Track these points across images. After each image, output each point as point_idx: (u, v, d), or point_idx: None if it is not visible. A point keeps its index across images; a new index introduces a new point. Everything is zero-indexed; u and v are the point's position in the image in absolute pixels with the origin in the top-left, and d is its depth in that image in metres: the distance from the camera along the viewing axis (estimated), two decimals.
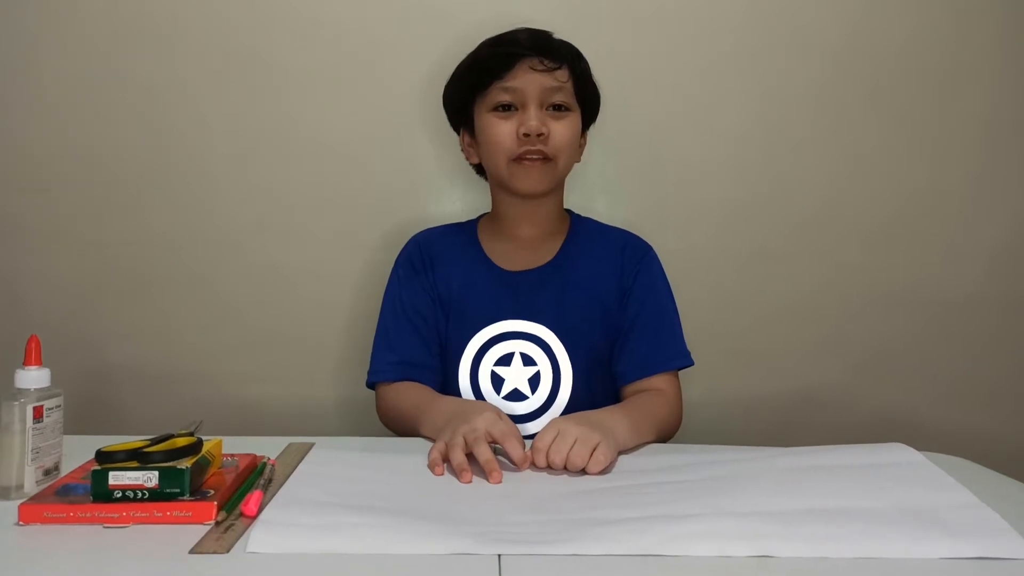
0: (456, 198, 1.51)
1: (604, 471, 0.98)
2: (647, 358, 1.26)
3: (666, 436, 1.21)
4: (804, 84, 1.51)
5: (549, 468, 0.99)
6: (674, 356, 1.28)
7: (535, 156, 1.23)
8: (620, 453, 1.05)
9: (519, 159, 1.24)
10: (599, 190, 1.51)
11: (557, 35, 1.29)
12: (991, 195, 1.54)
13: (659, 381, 1.25)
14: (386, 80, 1.50)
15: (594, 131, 1.37)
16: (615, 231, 1.37)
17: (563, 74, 1.25)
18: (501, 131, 1.24)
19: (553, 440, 0.99)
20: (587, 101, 1.30)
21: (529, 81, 1.23)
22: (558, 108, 1.25)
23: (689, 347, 1.30)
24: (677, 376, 1.28)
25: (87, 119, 1.50)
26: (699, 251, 1.52)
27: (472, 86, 1.27)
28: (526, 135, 1.22)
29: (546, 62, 1.23)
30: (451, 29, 1.43)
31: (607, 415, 1.09)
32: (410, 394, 1.23)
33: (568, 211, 1.38)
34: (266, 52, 1.49)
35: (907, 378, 1.56)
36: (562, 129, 1.24)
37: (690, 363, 1.29)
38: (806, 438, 1.51)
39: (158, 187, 1.51)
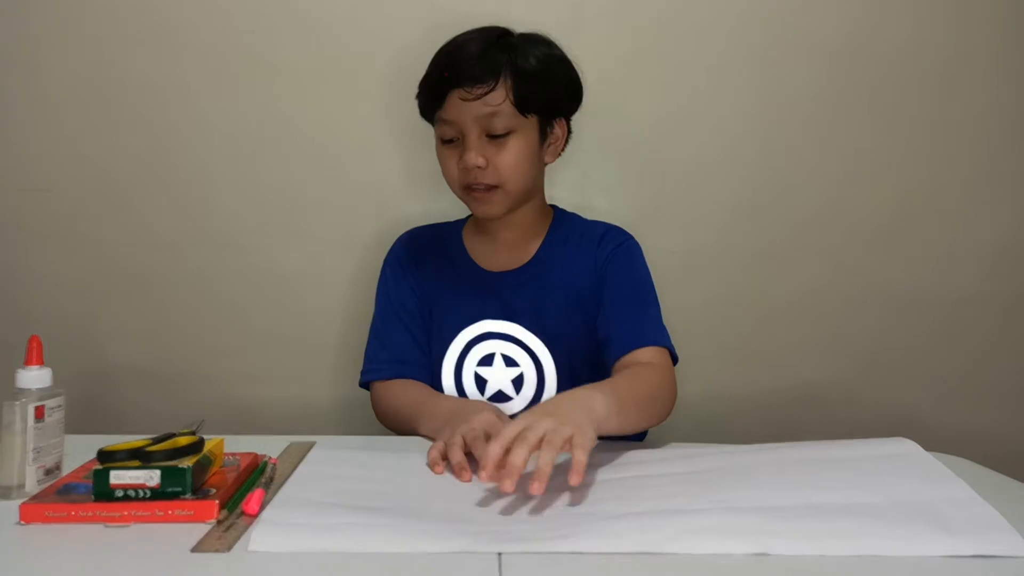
0: (454, 197, 1.50)
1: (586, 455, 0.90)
2: (629, 333, 1.20)
3: (658, 409, 1.12)
4: (804, 84, 1.51)
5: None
6: (657, 333, 1.21)
7: (480, 187, 1.21)
8: (612, 437, 1.00)
9: (467, 189, 1.22)
10: (599, 190, 1.51)
11: (522, 28, 1.25)
12: (991, 195, 1.55)
13: (646, 354, 1.18)
14: (385, 80, 1.50)
15: (594, 131, 1.36)
16: (596, 225, 1.33)
17: (497, 96, 1.17)
18: (448, 164, 1.23)
19: (516, 435, 0.89)
20: (546, 105, 1.22)
21: (461, 112, 1.18)
22: (497, 136, 1.19)
23: (689, 347, 1.27)
24: (668, 354, 1.20)
25: (87, 119, 1.50)
26: (699, 251, 1.53)
27: (423, 113, 1.26)
28: (466, 169, 1.20)
29: (473, 89, 1.17)
30: (451, 29, 1.43)
31: (582, 394, 1.00)
32: (408, 392, 1.23)
33: (553, 207, 1.36)
34: (266, 52, 1.49)
35: (907, 378, 1.56)
36: (504, 156, 1.19)
37: (669, 345, 1.20)
38: (806, 438, 1.51)
39: (158, 187, 1.51)
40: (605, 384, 1.05)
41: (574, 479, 0.86)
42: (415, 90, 1.49)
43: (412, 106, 1.49)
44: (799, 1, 1.50)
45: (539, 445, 0.88)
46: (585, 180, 1.48)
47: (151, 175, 1.51)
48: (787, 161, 1.53)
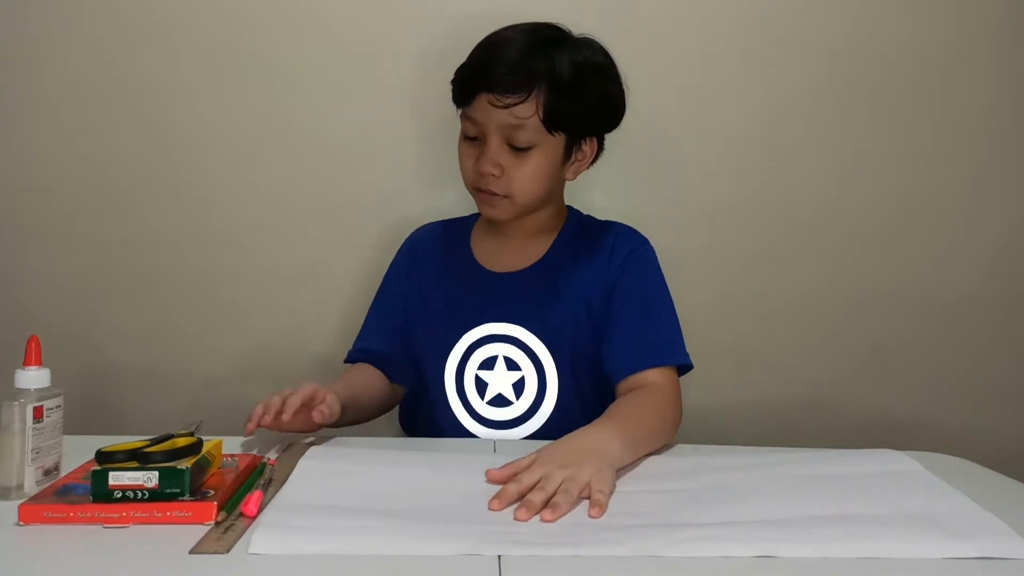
0: (456, 197, 1.50)
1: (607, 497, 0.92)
2: (636, 352, 1.18)
3: (665, 438, 1.11)
4: (804, 84, 1.51)
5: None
6: (665, 350, 1.19)
7: (490, 191, 1.20)
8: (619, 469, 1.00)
9: (477, 190, 1.22)
10: (599, 190, 1.51)
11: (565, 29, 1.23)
12: (991, 195, 1.54)
13: (653, 376, 1.16)
14: (386, 79, 1.50)
15: None
16: (610, 226, 1.31)
17: (526, 108, 1.14)
18: (465, 161, 1.22)
19: (535, 483, 0.89)
20: (577, 125, 1.20)
21: (487, 115, 1.16)
22: (519, 148, 1.17)
23: (689, 347, 1.24)
24: (675, 372, 1.19)
25: (87, 119, 1.50)
26: (699, 251, 1.52)
27: (454, 101, 1.24)
28: (480, 173, 1.19)
29: (503, 98, 1.14)
30: (452, 28, 1.43)
31: (599, 436, 1.00)
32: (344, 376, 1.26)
33: (569, 208, 1.34)
34: (266, 52, 1.49)
35: (907, 378, 1.56)
36: (521, 170, 1.18)
37: (686, 360, 1.20)
38: (807, 438, 1.52)
39: (158, 187, 1.51)
40: (616, 424, 1.04)
41: (594, 512, 0.86)
42: (415, 89, 1.50)
43: (412, 106, 1.50)
44: (799, 1, 1.50)
45: (556, 493, 0.87)
46: (585, 180, 1.47)
47: (151, 175, 1.51)
48: (787, 161, 1.53)
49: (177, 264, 1.52)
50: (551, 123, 1.17)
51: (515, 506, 0.87)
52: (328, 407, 1.07)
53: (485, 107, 1.16)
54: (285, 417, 1.02)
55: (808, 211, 1.53)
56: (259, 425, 1.02)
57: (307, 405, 1.05)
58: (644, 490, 0.94)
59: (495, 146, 1.17)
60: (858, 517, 0.84)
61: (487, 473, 0.94)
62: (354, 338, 1.32)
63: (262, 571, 0.73)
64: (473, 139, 1.20)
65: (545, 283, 1.26)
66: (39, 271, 1.52)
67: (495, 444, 1.13)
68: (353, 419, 1.17)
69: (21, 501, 0.83)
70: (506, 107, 1.15)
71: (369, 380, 1.27)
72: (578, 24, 1.26)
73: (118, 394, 1.53)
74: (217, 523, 0.81)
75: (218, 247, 1.52)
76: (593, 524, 0.84)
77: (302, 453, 1.04)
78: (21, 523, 0.81)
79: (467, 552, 0.75)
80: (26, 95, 1.49)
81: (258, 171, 1.51)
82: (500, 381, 1.24)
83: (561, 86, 1.16)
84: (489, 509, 0.87)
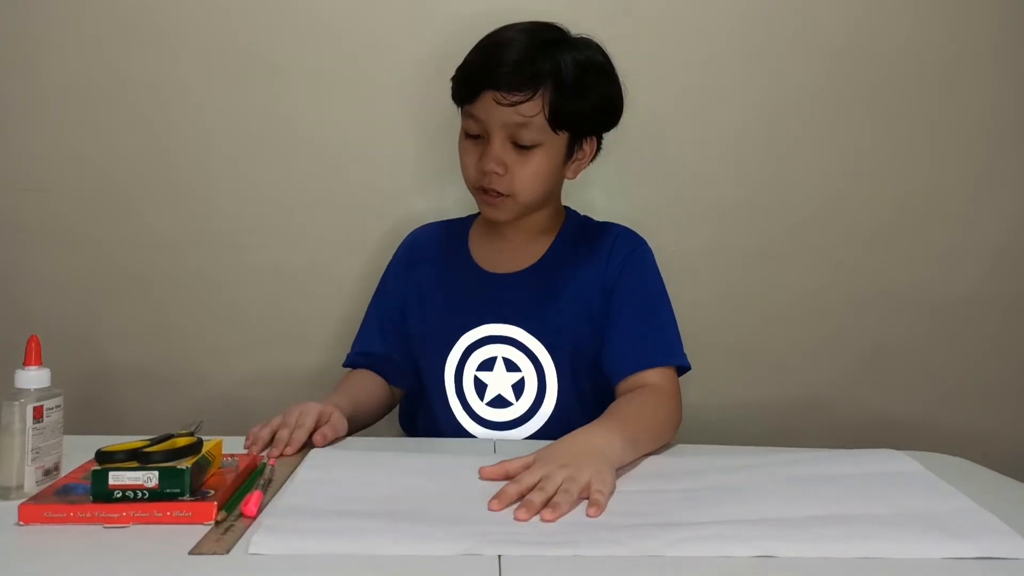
0: (456, 197, 1.51)
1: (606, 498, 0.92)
2: (635, 352, 1.18)
3: (665, 439, 1.11)
4: (804, 84, 1.51)
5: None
6: (665, 350, 1.20)
7: (492, 191, 1.19)
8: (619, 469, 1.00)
9: (479, 190, 1.21)
10: (599, 190, 1.51)
11: (562, 28, 1.23)
12: (991, 195, 1.54)
13: (653, 376, 1.17)
14: (386, 79, 1.50)
15: None
16: (608, 228, 1.31)
17: (531, 106, 1.15)
18: (467, 159, 1.21)
19: (535, 484, 0.89)
20: (580, 124, 1.21)
21: (491, 113, 1.16)
22: (523, 146, 1.17)
23: (689, 348, 1.24)
24: (674, 372, 1.20)
25: (87, 119, 1.50)
26: (699, 251, 1.52)
27: (455, 99, 1.24)
28: (483, 171, 1.18)
29: (509, 96, 1.14)
30: (452, 28, 1.43)
31: (599, 436, 1.00)
32: (343, 383, 1.27)
33: (566, 208, 1.35)
34: (266, 52, 1.49)
35: (907, 378, 1.56)
36: (524, 168, 1.18)
37: (685, 362, 1.21)
38: (807, 438, 1.52)
39: (158, 187, 1.51)
40: (616, 424, 1.04)
41: (592, 511, 0.86)
42: (415, 89, 1.50)
43: (412, 106, 1.50)
44: (799, 1, 1.50)
45: (556, 493, 0.87)
46: (585, 179, 1.47)
47: (151, 175, 1.51)
48: (787, 161, 1.53)
49: (177, 264, 1.52)
50: (556, 122, 1.17)
51: (515, 506, 0.86)
52: (332, 428, 1.09)
53: (490, 105, 1.16)
54: (290, 451, 1.04)
55: (808, 211, 1.53)
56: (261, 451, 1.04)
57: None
58: (644, 490, 0.94)
59: (499, 144, 1.17)
60: (858, 517, 0.84)
61: (480, 470, 0.95)
62: (353, 339, 1.33)
63: (262, 571, 0.72)
64: (475, 137, 1.20)
65: (544, 284, 1.26)
66: (39, 271, 1.52)
67: (495, 444, 1.14)
68: (352, 430, 1.17)
69: (21, 501, 0.83)
70: (512, 104, 1.15)
71: (369, 389, 1.27)
72: (578, 24, 1.26)
73: (118, 394, 1.53)
74: (217, 523, 0.81)
75: (218, 247, 1.52)
76: (593, 524, 0.84)
77: (303, 453, 1.04)
78: (21, 523, 0.81)
79: (467, 552, 0.75)
80: (26, 95, 1.49)
81: (258, 171, 1.51)
82: (499, 382, 1.24)
83: (566, 85, 1.17)
84: (489, 509, 0.86)
